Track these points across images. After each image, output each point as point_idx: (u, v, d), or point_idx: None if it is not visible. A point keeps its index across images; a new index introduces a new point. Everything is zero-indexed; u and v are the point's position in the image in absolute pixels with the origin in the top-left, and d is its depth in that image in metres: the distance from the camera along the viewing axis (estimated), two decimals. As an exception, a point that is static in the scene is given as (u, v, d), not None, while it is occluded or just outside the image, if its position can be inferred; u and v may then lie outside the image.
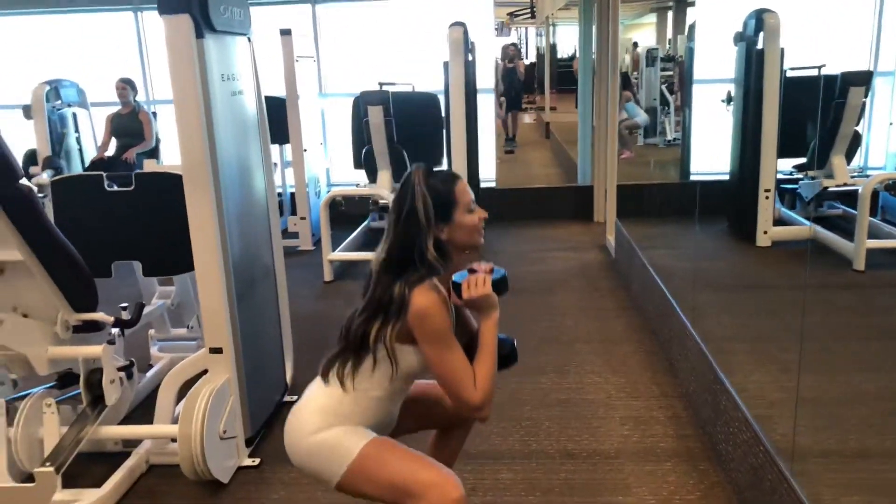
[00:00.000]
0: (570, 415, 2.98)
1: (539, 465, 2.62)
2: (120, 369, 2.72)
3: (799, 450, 2.11)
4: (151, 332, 3.67)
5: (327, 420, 1.79)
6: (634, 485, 2.48)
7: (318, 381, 1.89)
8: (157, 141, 6.30)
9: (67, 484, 2.44)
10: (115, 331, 2.80)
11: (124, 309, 2.99)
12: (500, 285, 1.82)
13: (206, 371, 2.66)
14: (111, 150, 6.22)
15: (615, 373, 3.36)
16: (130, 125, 6.14)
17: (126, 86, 6.11)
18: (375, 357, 1.78)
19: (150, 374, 3.38)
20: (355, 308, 1.86)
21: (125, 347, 2.96)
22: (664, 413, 2.97)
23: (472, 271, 1.84)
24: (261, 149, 3.01)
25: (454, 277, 1.83)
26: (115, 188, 3.09)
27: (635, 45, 8.35)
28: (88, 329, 2.69)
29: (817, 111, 5.22)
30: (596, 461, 2.64)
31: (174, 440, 2.65)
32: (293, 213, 6.02)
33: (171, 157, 6.59)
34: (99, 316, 2.67)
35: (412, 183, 1.78)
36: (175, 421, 2.70)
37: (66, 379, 2.70)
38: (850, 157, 5.13)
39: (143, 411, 3.08)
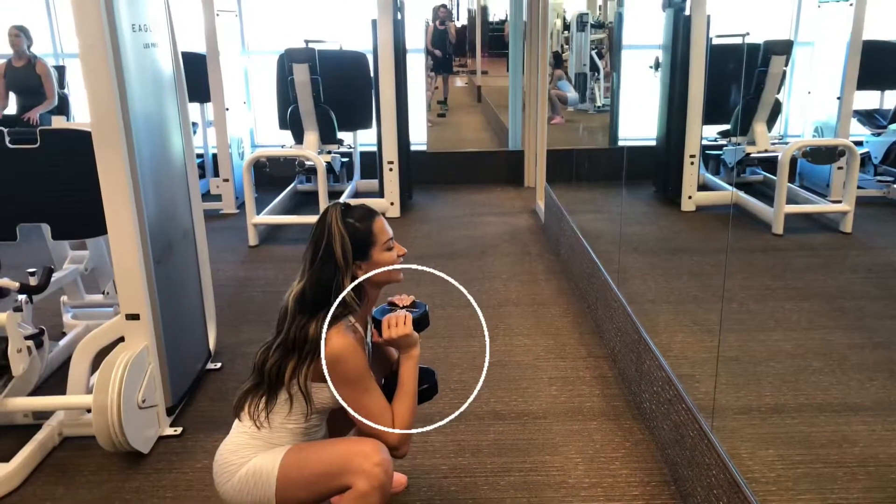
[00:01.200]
0: (499, 377, 2.99)
1: (468, 427, 2.62)
2: (28, 338, 2.57)
3: (719, 407, 2.17)
4: (64, 298, 3.49)
5: (244, 455, 1.77)
6: (561, 444, 2.51)
7: (235, 422, 1.87)
8: (64, 97, 5.95)
9: (-28, 459, 2.31)
10: (21, 297, 2.65)
11: (32, 274, 2.83)
12: (421, 323, 1.84)
13: (122, 339, 2.54)
14: (11, 108, 5.82)
15: (544, 335, 3.38)
16: (27, 80, 5.70)
17: (20, 33, 5.64)
18: (290, 394, 1.76)
19: (63, 342, 3.21)
20: (269, 341, 1.84)
21: (35, 315, 2.81)
22: (591, 373, 3.01)
23: (392, 304, 1.89)
24: (177, 106, 2.86)
25: (374, 313, 1.86)
26: (18, 146, 2.89)
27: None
28: (-9, 295, 2.54)
29: (741, 79, 5.34)
30: (524, 421, 2.66)
31: (89, 411, 2.53)
32: (216, 174, 5.81)
33: (83, 115, 6.25)
34: (3, 282, 2.52)
35: (328, 221, 1.77)
36: (90, 391, 2.58)
37: (-32, 348, 2.53)
38: (771, 124, 5.27)
39: (56, 381, 2.94)
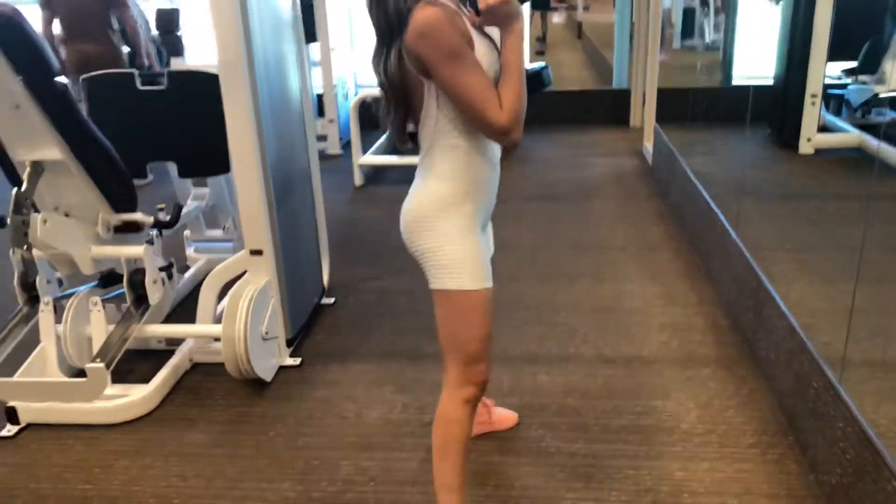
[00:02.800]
0: (607, 321, 2.98)
1: (577, 369, 2.64)
2: (160, 269, 2.74)
3: (830, 357, 2.09)
4: (187, 233, 3.68)
5: (442, 194, 1.64)
6: (674, 389, 2.49)
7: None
8: (178, 39, 6.09)
9: (116, 380, 2.50)
10: (153, 232, 2.81)
11: (161, 210, 2.99)
12: None
13: (244, 272, 2.66)
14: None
15: (653, 280, 3.33)
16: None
17: None
18: (419, 94, 1.58)
19: (187, 274, 3.41)
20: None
21: (163, 248, 2.98)
22: (703, 320, 2.96)
23: None
24: (296, 47, 2.91)
25: None
26: (148, 87, 3.03)
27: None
28: (128, 229, 2.70)
29: (871, 12, 4.94)
30: (634, 366, 2.65)
31: (217, 339, 2.69)
32: (320, 115, 5.91)
33: (196, 56, 6.46)
34: (138, 216, 2.67)
35: None
36: (217, 321, 2.73)
37: (108, 279, 2.73)
38: (904, 61, 4.88)
39: (182, 311, 3.13)
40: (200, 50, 6.48)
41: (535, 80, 1.69)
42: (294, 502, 2.06)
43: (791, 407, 2.24)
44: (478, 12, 1.56)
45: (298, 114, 2.98)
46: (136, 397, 2.46)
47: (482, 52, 1.57)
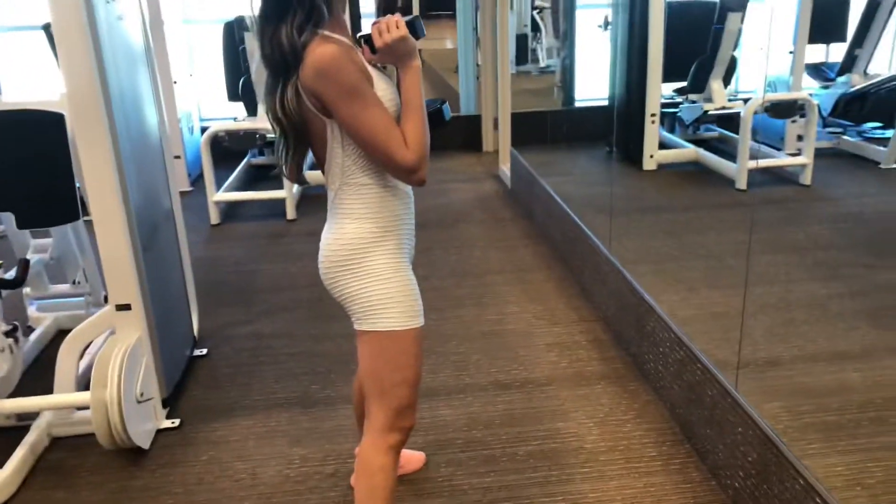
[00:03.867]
0: (495, 346, 2.98)
1: (475, 399, 2.61)
2: (5, 335, 2.42)
3: (719, 363, 2.20)
4: (27, 290, 3.29)
5: (353, 227, 1.56)
6: (571, 409, 2.52)
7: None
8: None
9: (-41, 467, 2.17)
10: (-8, 292, 2.48)
11: (-1, 266, 2.65)
12: (414, 25, 1.52)
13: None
14: None
15: (532, 301, 3.38)
16: None
17: None
18: (312, 130, 1.52)
19: (33, 336, 3.04)
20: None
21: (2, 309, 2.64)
22: (585, 337, 3.03)
23: (375, 24, 1.55)
24: (150, 80, 2.70)
25: (360, 34, 1.56)
26: (-26, 129, 2.69)
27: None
28: (-37, 292, 2.37)
29: (697, 36, 5.38)
30: (530, 390, 2.66)
31: (81, 409, 2.41)
32: (167, 151, 5.56)
33: (13, 94, 5.88)
34: (-25, 277, 2.35)
35: None
36: (79, 388, 2.45)
37: (-58, 350, 2.37)
38: (727, 81, 5.35)
39: (31, 378, 2.77)
40: (19, 87, 5.91)
41: (436, 117, 1.63)
42: (195, 583, 1.86)
43: (685, 416, 2.33)
44: (373, 50, 1.52)
45: (157, 150, 2.76)
46: (-11, 485, 2.13)
47: (381, 87, 1.52)
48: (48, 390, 2.45)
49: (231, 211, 5.01)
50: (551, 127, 5.98)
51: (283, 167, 1.61)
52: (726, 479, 2.05)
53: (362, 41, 1.54)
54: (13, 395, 2.52)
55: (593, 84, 6.21)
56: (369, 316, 1.58)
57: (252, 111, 5.43)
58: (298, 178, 1.66)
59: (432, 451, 2.32)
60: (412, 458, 2.25)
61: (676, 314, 3.04)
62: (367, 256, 1.57)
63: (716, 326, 2.98)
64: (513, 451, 2.31)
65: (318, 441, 2.39)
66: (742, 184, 4.55)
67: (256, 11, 1.51)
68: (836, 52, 5.80)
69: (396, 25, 1.48)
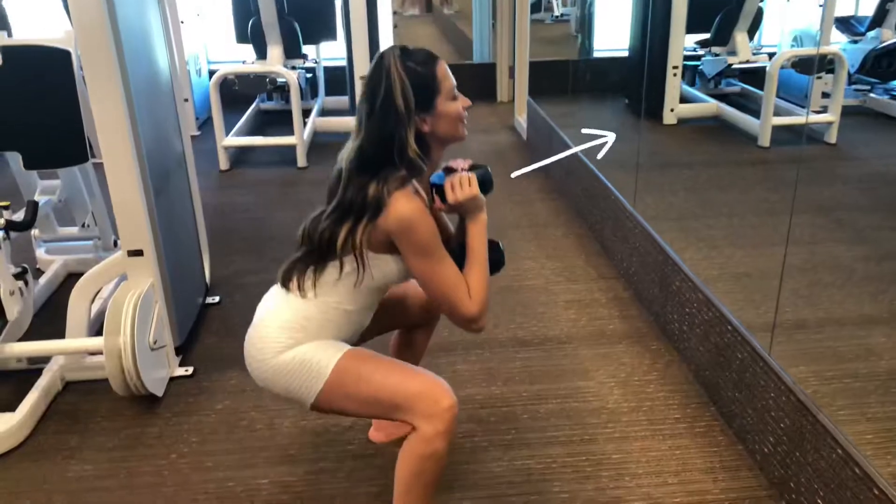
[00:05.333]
0: (513, 302, 2.92)
1: (494, 355, 2.55)
2: (15, 277, 2.35)
3: (746, 324, 2.14)
4: (35, 232, 3.22)
5: (293, 336, 1.60)
6: (592, 368, 2.47)
7: (276, 290, 1.69)
8: None
9: (-30, 411, 2.13)
10: (0, 234, 2.40)
11: (6, 208, 2.57)
12: (485, 184, 1.63)
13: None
14: None
15: (549, 257, 3.31)
16: None
17: None
18: (342, 265, 1.58)
19: (43, 280, 2.98)
20: (320, 210, 1.64)
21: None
22: (605, 295, 2.97)
23: (448, 170, 1.65)
24: (160, 17, 2.58)
25: (433, 179, 1.64)
26: (-21, 64, 2.58)
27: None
28: (-30, 233, 2.30)
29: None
30: (549, 347, 2.60)
31: (93, 354, 2.36)
32: (174, 94, 5.43)
33: (23, 31, 5.71)
34: (-17, 218, 2.27)
35: (386, 66, 1.53)
36: (91, 333, 2.40)
37: (-50, 292, 2.31)
38: (752, 34, 5.18)
39: (41, 322, 2.73)
40: (29, 23, 5.74)
41: (494, 266, 1.70)
42: (213, 534, 1.83)
43: (710, 378, 2.28)
44: (443, 200, 1.60)
45: (168, 91, 2.66)
46: (1, 429, 2.09)
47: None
48: (59, 334, 2.41)
49: (240, 156, 4.91)
50: (568, 78, 5.82)
51: (286, 271, 1.66)
52: (754, 443, 2.00)
53: (433, 190, 1.62)
54: (24, 338, 2.47)
55: (613, 34, 6.03)
56: (305, 381, 1.59)
57: (261, 54, 5.28)
58: (292, 282, 1.65)
59: (451, 406, 2.27)
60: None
61: (700, 273, 2.98)
62: (294, 345, 1.62)
63: (739, 286, 2.92)
64: (534, 408, 2.27)
65: (335, 393, 2.35)
66: (765, 141, 4.43)
67: (346, 160, 1.58)
68: (867, 5, 5.60)
69: (469, 182, 1.58)
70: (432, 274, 1.56)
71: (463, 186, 1.57)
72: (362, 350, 1.66)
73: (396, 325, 2.01)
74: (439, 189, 1.60)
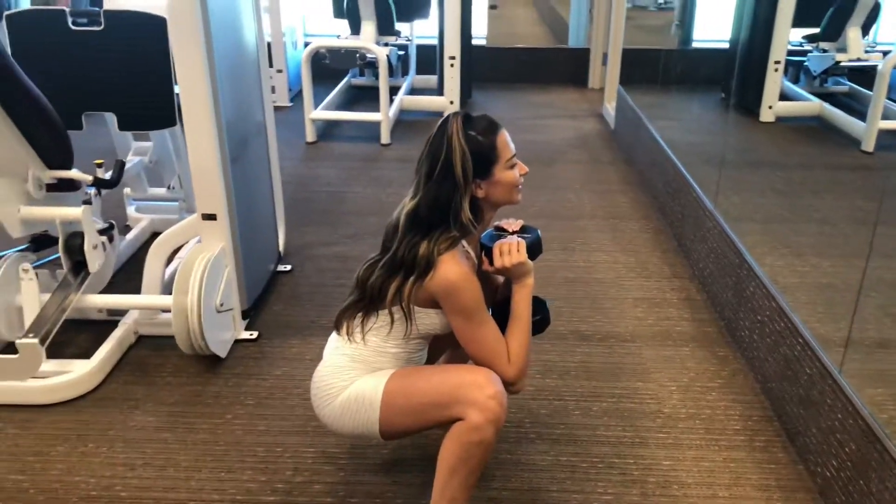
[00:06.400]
0: (580, 294, 2.86)
1: (553, 347, 2.52)
2: (101, 232, 2.48)
3: (821, 338, 2.02)
4: (127, 191, 3.38)
5: (345, 377, 1.66)
6: (653, 370, 2.40)
7: (333, 335, 1.75)
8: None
9: (51, 354, 2.26)
10: (91, 190, 2.53)
11: (99, 166, 2.70)
12: (534, 249, 1.67)
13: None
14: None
15: (624, 251, 3.22)
16: None
17: None
18: (391, 313, 1.63)
19: (130, 236, 3.13)
20: (374, 256, 1.69)
21: (101, 208, 2.70)
22: (677, 295, 2.87)
23: (499, 229, 1.70)
24: (251, -12, 2.64)
25: (482, 238, 1.68)
26: (82, 27, 2.71)
27: None
28: (63, 188, 2.43)
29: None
30: (611, 344, 2.54)
31: (165, 311, 2.46)
32: (269, 65, 5.57)
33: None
34: (75, 173, 2.40)
35: (449, 133, 1.57)
36: (165, 290, 2.50)
37: (41, 242, 2.45)
38: (866, 30, 4.85)
39: (125, 276, 2.87)
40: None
41: (539, 326, 1.70)
42: (256, 494, 1.88)
43: (777, 391, 2.18)
44: (491, 261, 1.64)
45: (254, 62, 2.72)
46: (76, 374, 2.22)
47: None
48: (138, 289, 2.53)
49: (327, 130, 5.00)
50: (664, 67, 5.63)
51: (339, 315, 1.71)
52: (816, 465, 1.90)
53: (483, 251, 1.67)
54: (106, 290, 2.61)
55: (715, 24, 5.78)
56: (364, 412, 1.63)
57: (355, 30, 5.34)
58: (342, 327, 1.70)
59: (503, 394, 2.25)
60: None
61: (779, 280, 2.84)
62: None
63: (820, 298, 2.77)
64: (587, 405, 2.22)
65: (390, 370, 2.37)
66: (869, 145, 4.16)
67: (403, 216, 1.62)
68: None
69: (518, 249, 1.61)
70: (473, 336, 1.61)
71: (511, 252, 1.62)
72: (406, 368, 1.69)
73: (446, 346, 2.00)
74: (488, 251, 1.65)
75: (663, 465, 1.98)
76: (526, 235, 1.70)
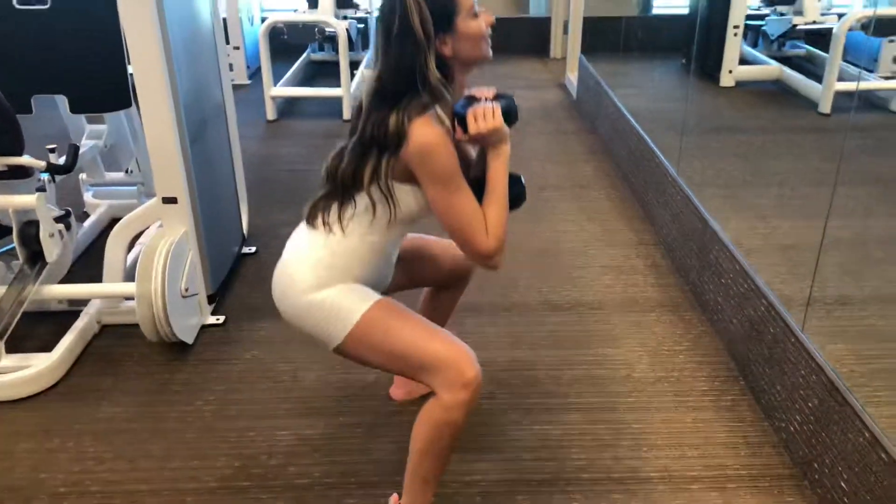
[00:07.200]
0: (548, 265, 2.88)
1: (522, 318, 2.53)
2: (57, 220, 2.41)
3: (784, 298, 2.05)
4: (83, 176, 3.30)
5: (322, 276, 1.56)
6: (622, 336, 2.43)
7: (303, 228, 1.65)
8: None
9: (10, 349, 2.21)
10: (45, 177, 2.46)
11: (52, 151, 2.62)
12: (510, 115, 1.53)
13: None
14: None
15: (590, 220, 3.24)
16: None
17: None
18: (372, 199, 1.54)
19: (87, 223, 3.06)
20: (340, 145, 1.60)
21: (56, 195, 2.63)
22: (643, 262, 2.90)
23: (471, 99, 1.55)
24: (203, -37, 2.57)
25: (455, 108, 1.54)
26: (27, 6, 2.61)
27: None
28: (15, 175, 2.35)
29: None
30: (580, 312, 2.56)
31: (128, 299, 2.42)
32: (226, 41, 5.45)
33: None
34: (27, 160, 2.32)
35: None
36: (127, 277, 2.45)
37: (-7, 232, 2.39)
38: (822, -8, 4.91)
39: (84, 265, 2.81)
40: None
41: (514, 202, 1.61)
42: (231, 480, 1.87)
43: (742, 352, 2.22)
44: (465, 130, 1.51)
45: (209, 39, 2.65)
46: (37, 369, 2.16)
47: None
48: (100, 278, 2.48)
49: (288, 107, 4.92)
50: (625, 35, 5.63)
51: (311, 208, 1.63)
52: (780, 421, 1.95)
53: (456, 119, 1.53)
54: (65, 280, 2.55)
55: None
56: (332, 324, 1.57)
57: (313, 3, 5.25)
58: (316, 217, 1.61)
59: (474, 367, 2.26)
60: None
61: (742, 243, 2.88)
62: (322, 286, 1.58)
63: (782, 259, 2.82)
64: (557, 374, 2.24)
65: (360, 348, 2.36)
66: (826, 107, 4.23)
67: (365, 93, 1.54)
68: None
69: (493, 113, 1.49)
70: (449, 205, 1.51)
71: (486, 117, 1.49)
72: (392, 302, 1.62)
73: (425, 282, 1.99)
74: (461, 119, 1.52)
75: (633, 427, 2.01)
76: (501, 101, 1.57)
